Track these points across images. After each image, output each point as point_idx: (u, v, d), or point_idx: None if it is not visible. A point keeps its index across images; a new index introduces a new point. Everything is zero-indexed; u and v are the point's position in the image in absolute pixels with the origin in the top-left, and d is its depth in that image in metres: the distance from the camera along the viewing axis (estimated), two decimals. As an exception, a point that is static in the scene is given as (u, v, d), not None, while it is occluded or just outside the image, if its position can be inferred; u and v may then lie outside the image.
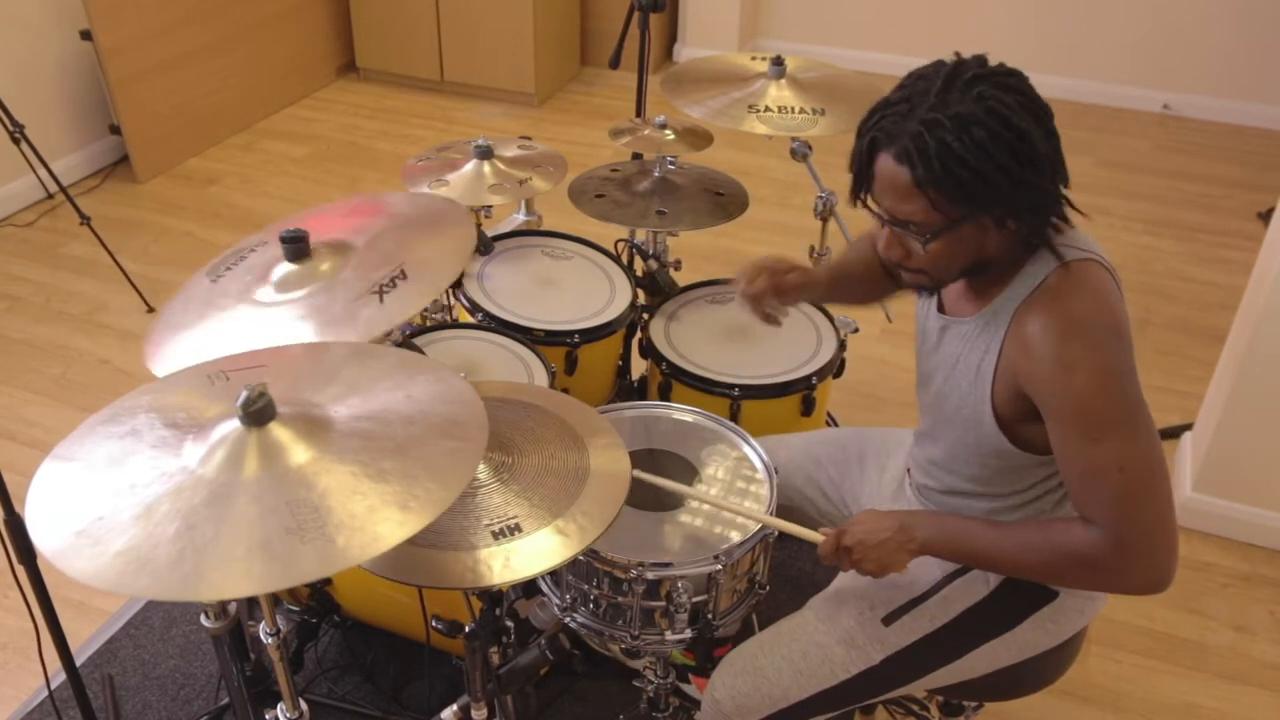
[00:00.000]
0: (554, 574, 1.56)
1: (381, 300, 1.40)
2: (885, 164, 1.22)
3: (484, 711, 1.46)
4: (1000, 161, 1.17)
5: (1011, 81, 1.21)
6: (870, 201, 1.28)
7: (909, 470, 1.59)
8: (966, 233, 1.23)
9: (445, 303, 2.31)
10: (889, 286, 1.65)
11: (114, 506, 1.02)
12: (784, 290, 1.63)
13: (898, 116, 1.20)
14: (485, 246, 2.04)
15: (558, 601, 1.55)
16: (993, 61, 1.23)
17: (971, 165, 1.16)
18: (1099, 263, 1.27)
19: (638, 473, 1.53)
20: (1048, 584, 1.41)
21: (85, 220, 3.18)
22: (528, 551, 1.22)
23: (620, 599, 1.47)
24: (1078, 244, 1.28)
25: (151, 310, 3.25)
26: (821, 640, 1.47)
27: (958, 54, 1.24)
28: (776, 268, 1.62)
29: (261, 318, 1.44)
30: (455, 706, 1.57)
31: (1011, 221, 1.23)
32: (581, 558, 1.46)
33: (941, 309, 1.42)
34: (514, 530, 1.23)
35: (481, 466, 1.33)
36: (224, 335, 1.42)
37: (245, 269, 1.54)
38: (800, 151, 2.37)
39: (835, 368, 2.16)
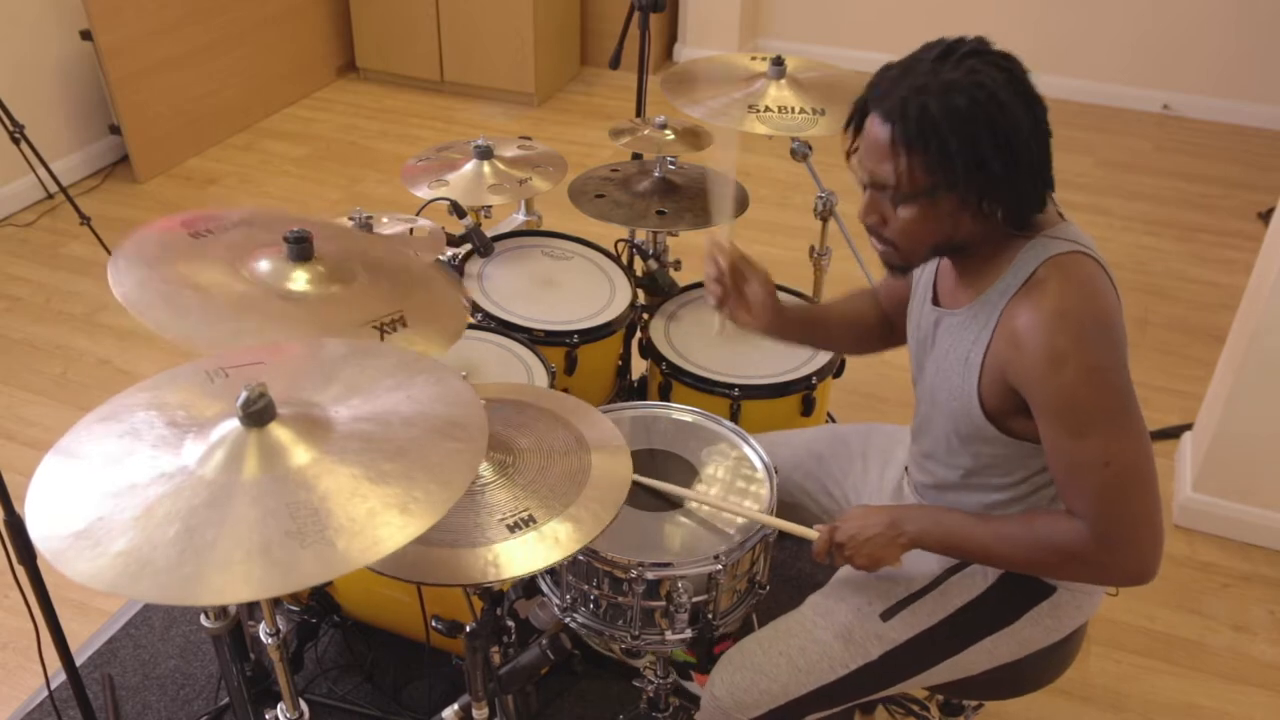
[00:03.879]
0: (554, 574, 1.56)
1: (382, 338, 1.38)
2: (872, 123, 1.26)
3: (485, 711, 1.46)
4: (974, 131, 1.19)
5: (1004, 63, 1.23)
6: (856, 164, 1.31)
7: (907, 468, 1.60)
8: (939, 206, 1.25)
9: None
10: (879, 342, 1.68)
11: (114, 507, 1.01)
12: (751, 288, 1.53)
13: (892, 80, 1.24)
14: (485, 247, 2.04)
15: (558, 601, 1.55)
16: None
17: (945, 131, 1.19)
18: (1089, 255, 1.27)
19: (638, 477, 1.53)
20: (1037, 576, 1.42)
21: (85, 220, 3.18)
22: (545, 540, 1.23)
23: (620, 599, 1.47)
24: (1068, 236, 1.29)
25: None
26: (820, 636, 1.47)
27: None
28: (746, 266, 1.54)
29: (252, 299, 1.40)
30: (456, 706, 1.57)
31: (986, 204, 1.24)
32: (581, 557, 1.46)
33: (936, 301, 1.43)
34: (529, 522, 1.24)
35: (487, 465, 1.33)
36: (206, 297, 1.37)
37: (229, 242, 1.48)
38: (800, 151, 2.37)
39: (835, 368, 2.16)
